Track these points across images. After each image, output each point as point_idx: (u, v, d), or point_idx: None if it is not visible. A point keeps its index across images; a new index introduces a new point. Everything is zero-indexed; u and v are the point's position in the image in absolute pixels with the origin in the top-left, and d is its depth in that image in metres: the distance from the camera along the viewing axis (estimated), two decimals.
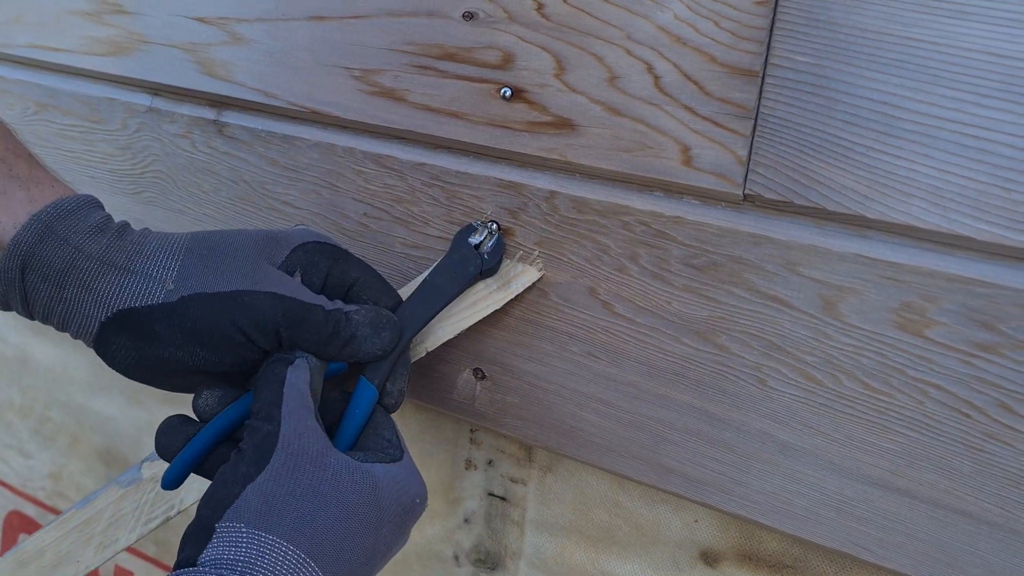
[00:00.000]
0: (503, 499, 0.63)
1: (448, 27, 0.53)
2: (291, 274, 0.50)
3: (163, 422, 0.49)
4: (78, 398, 0.89)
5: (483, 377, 0.58)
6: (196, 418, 0.49)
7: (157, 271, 0.47)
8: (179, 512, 0.57)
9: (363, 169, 0.59)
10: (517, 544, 0.63)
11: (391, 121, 0.57)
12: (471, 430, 0.63)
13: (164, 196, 0.71)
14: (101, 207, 0.49)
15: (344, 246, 0.53)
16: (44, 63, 0.76)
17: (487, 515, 0.64)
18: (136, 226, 0.50)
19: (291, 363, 0.46)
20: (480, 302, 0.54)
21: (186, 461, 0.47)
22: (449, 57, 0.53)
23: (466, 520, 0.65)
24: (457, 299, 0.53)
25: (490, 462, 0.63)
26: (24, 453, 0.96)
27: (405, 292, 0.53)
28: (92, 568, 0.56)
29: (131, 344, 0.47)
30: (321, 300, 0.48)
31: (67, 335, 0.52)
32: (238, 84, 0.63)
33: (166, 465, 0.48)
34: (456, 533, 0.65)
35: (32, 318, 0.48)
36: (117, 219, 0.49)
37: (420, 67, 0.54)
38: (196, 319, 0.46)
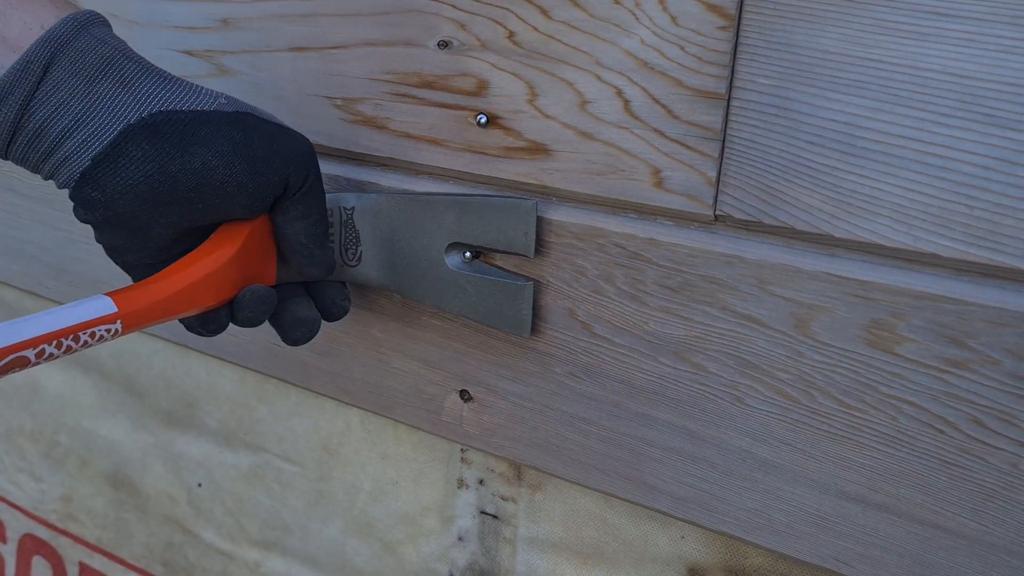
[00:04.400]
0: (495, 517, 0.63)
1: (424, 56, 0.54)
2: None
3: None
4: (85, 423, 0.90)
5: (469, 399, 0.58)
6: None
7: (207, 90, 0.46)
8: None
9: None
10: (510, 562, 0.63)
11: (373, 148, 0.58)
12: (462, 449, 0.64)
13: None
14: None
15: None
16: None
17: (480, 533, 0.64)
18: None
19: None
20: None
21: None
22: (427, 85, 0.54)
23: (460, 538, 0.65)
24: None
25: (481, 481, 0.63)
26: (35, 477, 0.98)
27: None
28: None
29: (154, 154, 0.43)
30: None
31: (50, 187, 0.48)
32: None
33: None
34: (451, 551, 0.66)
35: (11, 136, 0.43)
36: None
37: (400, 95, 0.55)
38: (249, 132, 0.46)
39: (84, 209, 0.45)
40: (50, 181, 0.47)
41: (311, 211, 0.50)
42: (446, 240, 0.53)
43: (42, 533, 0.99)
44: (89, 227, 0.52)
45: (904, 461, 0.44)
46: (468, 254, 0.53)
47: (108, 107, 0.43)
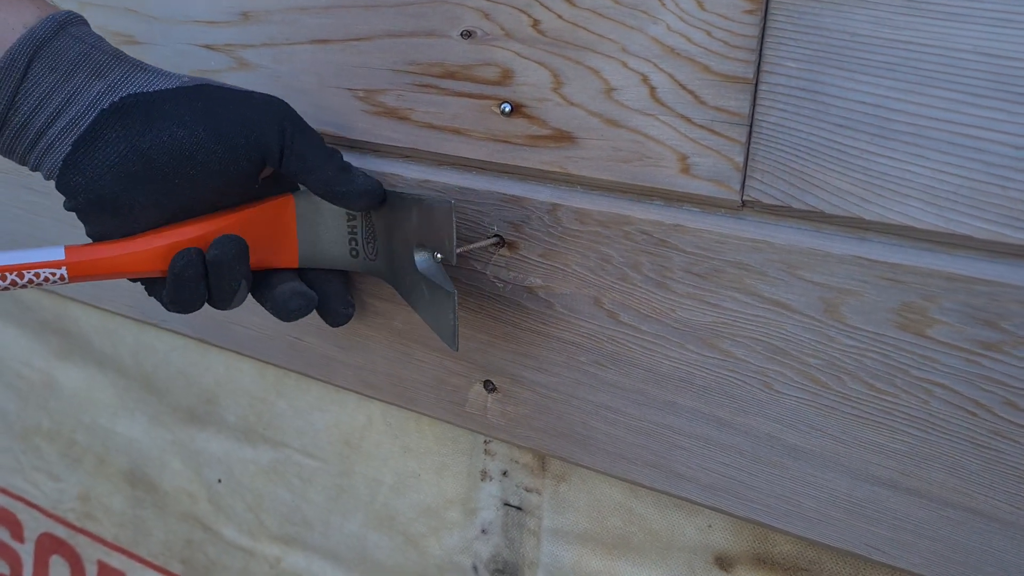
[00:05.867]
0: (519, 509, 0.63)
1: (447, 46, 0.54)
2: None
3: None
4: (102, 421, 0.90)
5: (493, 389, 0.58)
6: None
7: (173, 74, 0.50)
8: None
9: None
10: (534, 553, 0.63)
11: (396, 140, 0.58)
12: (485, 441, 0.64)
13: None
14: None
15: None
16: None
17: (504, 525, 0.64)
18: None
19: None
20: None
21: None
22: (450, 75, 0.54)
23: (483, 531, 0.65)
24: None
25: (505, 472, 0.63)
26: (53, 476, 0.98)
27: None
28: None
29: (127, 134, 0.47)
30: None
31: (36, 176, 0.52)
32: None
33: None
34: (474, 543, 0.66)
35: (2, 126, 0.48)
36: None
37: (422, 86, 0.55)
38: (210, 101, 0.48)
39: (68, 195, 0.48)
40: (37, 174, 0.50)
41: (309, 163, 0.51)
42: (413, 240, 0.52)
43: (60, 532, 0.99)
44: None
45: (936, 445, 0.44)
46: (438, 255, 0.51)
47: (84, 96, 0.47)
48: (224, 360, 0.78)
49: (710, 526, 0.55)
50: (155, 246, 0.51)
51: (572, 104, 0.50)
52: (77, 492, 0.96)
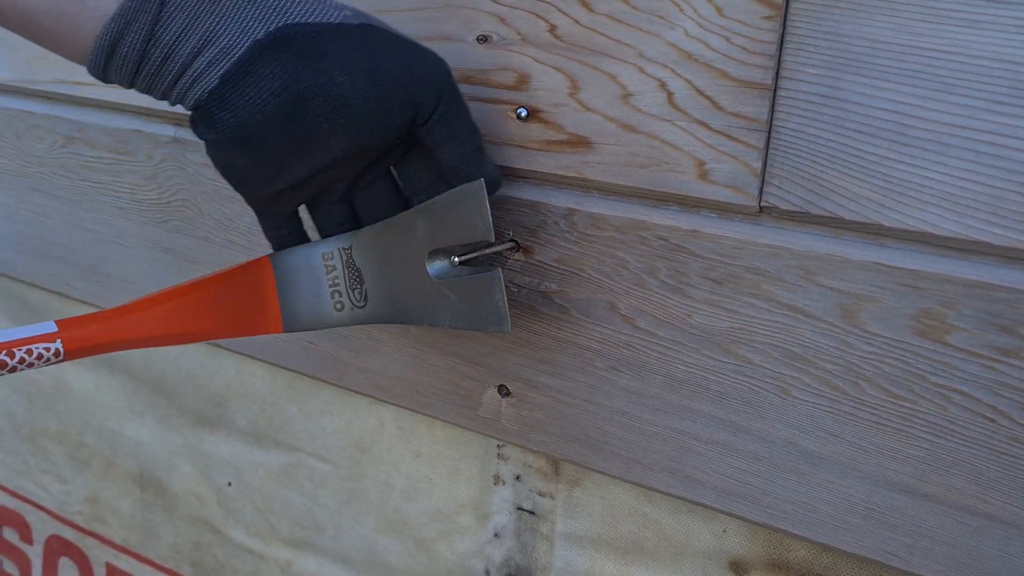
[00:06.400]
0: (532, 513, 0.63)
1: (463, 50, 0.54)
2: None
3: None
4: (111, 423, 0.91)
5: (508, 394, 0.58)
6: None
7: (331, 2, 0.44)
8: None
9: None
10: (547, 558, 0.63)
11: None
12: (498, 445, 0.64)
13: (191, 224, 0.72)
14: None
15: None
16: (71, 97, 0.78)
17: (517, 529, 0.64)
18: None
19: None
20: None
21: None
22: (465, 80, 0.54)
23: (496, 535, 0.65)
24: None
25: (518, 477, 0.63)
26: (61, 478, 0.98)
27: None
28: None
29: (281, 71, 0.42)
30: None
31: (164, 105, 0.45)
32: None
33: None
34: (487, 548, 0.66)
35: (139, 66, 0.42)
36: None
37: None
38: (376, 45, 0.44)
39: (211, 129, 0.44)
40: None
41: (455, 132, 0.48)
42: (425, 250, 0.50)
43: (68, 534, 0.99)
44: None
45: (954, 451, 0.44)
46: (456, 259, 0.50)
47: (234, 23, 0.42)
48: (235, 363, 0.78)
49: (725, 531, 0.55)
50: (151, 312, 0.49)
51: (589, 109, 0.50)
52: (84, 495, 0.96)
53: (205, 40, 0.42)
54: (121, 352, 0.87)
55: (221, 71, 0.42)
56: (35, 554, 1.03)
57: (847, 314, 0.45)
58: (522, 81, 0.52)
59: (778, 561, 0.53)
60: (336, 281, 0.54)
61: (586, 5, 0.49)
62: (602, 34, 0.49)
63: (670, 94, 0.47)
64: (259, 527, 0.81)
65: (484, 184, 0.46)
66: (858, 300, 0.45)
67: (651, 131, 0.48)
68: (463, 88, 0.54)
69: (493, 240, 0.47)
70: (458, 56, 0.54)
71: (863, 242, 0.45)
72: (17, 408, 1.00)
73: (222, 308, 0.52)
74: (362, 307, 0.54)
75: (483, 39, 0.53)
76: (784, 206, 0.46)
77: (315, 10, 0.43)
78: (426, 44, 0.54)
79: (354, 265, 0.53)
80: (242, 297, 0.53)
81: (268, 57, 0.42)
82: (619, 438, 0.54)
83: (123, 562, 0.94)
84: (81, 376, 0.92)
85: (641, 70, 0.48)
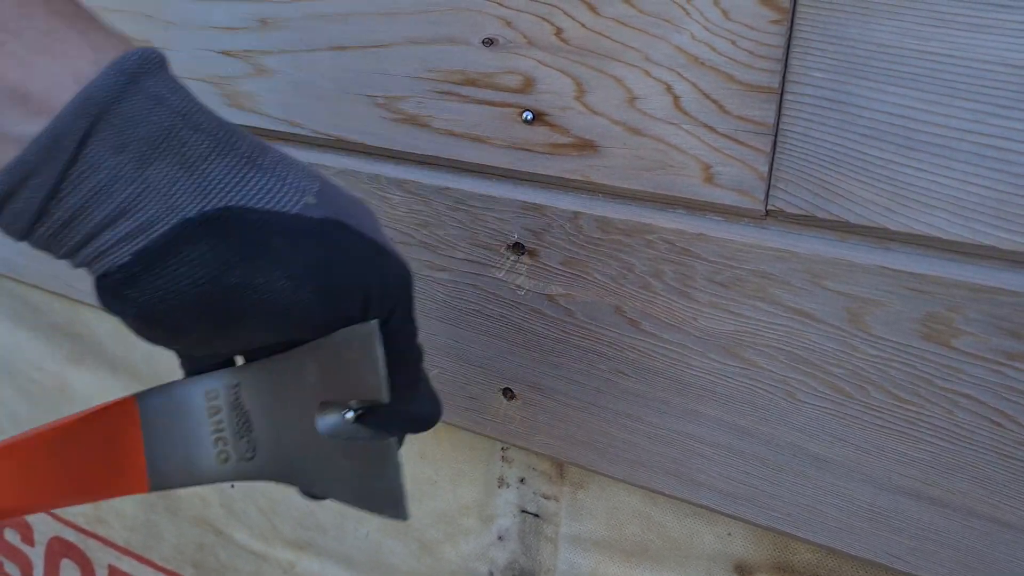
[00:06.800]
0: (536, 516, 0.63)
1: (469, 53, 0.54)
2: None
3: None
4: None
5: (513, 397, 0.58)
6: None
7: (294, 180, 0.36)
8: None
9: (388, 195, 0.60)
10: (551, 560, 0.63)
11: (416, 147, 0.58)
12: (502, 448, 0.64)
13: None
14: None
15: None
16: None
17: (521, 532, 0.64)
18: None
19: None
20: None
21: None
22: (471, 83, 0.54)
23: (500, 537, 0.65)
24: None
25: (522, 479, 0.63)
26: None
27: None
28: None
29: (213, 260, 0.34)
30: None
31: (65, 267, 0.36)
32: (264, 115, 0.64)
33: None
34: (491, 550, 0.66)
35: (32, 225, 0.34)
36: None
37: (443, 93, 0.55)
38: (335, 252, 0.36)
39: (115, 300, 0.36)
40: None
41: (392, 358, 0.38)
42: (315, 399, 0.40)
43: (70, 536, 0.99)
44: None
45: (960, 455, 0.44)
46: (349, 414, 0.40)
47: (163, 195, 0.34)
48: None
49: (730, 534, 0.55)
50: None
51: (595, 112, 0.50)
52: None
53: (121, 210, 0.34)
54: (123, 353, 0.87)
55: (135, 248, 0.34)
56: (37, 556, 1.03)
57: (853, 318, 0.45)
58: (528, 84, 0.52)
59: (783, 564, 0.54)
60: (220, 426, 0.43)
61: (592, 8, 0.49)
62: (608, 37, 0.49)
63: (676, 97, 0.47)
64: (262, 528, 0.81)
65: (377, 328, 0.37)
66: (864, 304, 0.45)
67: (657, 134, 0.48)
68: (468, 91, 0.54)
69: (388, 400, 0.38)
70: (463, 59, 0.54)
71: (869, 246, 0.45)
72: (20, 409, 1.00)
73: (62, 469, 0.42)
74: (250, 459, 0.43)
75: (489, 42, 0.53)
76: (790, 210, 0.46)
77: (268, 193, 0.35)
78: (432, 47, 0.55)
79: (242, 407, 0.43)
80: (92, 452, 0.42)
81: (199, 240, 0.34)
82: (624, 441, 0.54)
83: (125, 564, 0.94)
84: (84, 378, 0.92)
85: (647, 73, 0.48)
